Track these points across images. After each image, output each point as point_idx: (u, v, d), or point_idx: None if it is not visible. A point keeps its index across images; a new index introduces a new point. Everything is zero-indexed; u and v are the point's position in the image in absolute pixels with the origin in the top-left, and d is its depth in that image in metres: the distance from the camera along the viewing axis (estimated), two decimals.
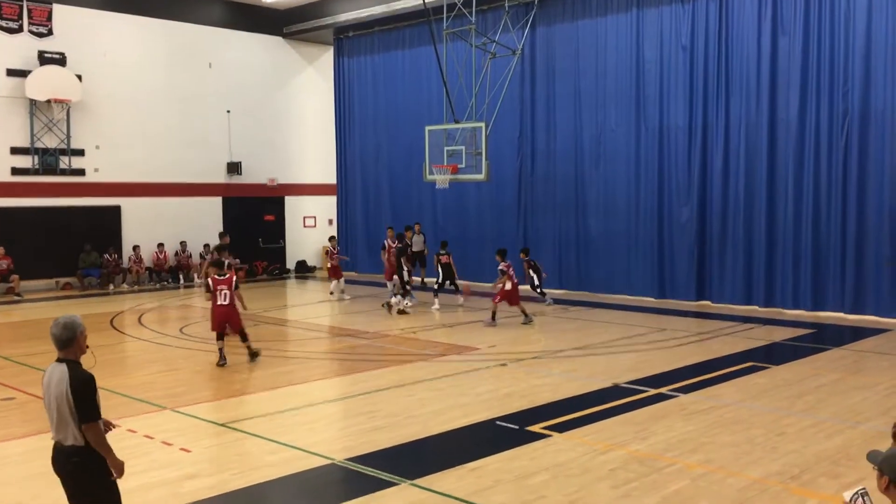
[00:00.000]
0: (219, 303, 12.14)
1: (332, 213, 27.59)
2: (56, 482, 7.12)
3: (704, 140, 18.06)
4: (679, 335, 14.31)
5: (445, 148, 18.56)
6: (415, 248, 20.65)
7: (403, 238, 19.54)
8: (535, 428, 8.60)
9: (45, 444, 8.29)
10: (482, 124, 18.01)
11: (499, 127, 19.46)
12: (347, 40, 26.27)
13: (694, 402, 9.66)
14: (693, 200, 18.21)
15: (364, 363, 12.31)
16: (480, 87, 18.71)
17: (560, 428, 8.60)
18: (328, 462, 7.62)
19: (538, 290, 18.11)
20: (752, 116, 17.30)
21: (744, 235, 17.49)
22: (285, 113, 27.08)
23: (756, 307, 17.22)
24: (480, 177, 18.21)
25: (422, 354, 12.80)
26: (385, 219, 25.24)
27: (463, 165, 18.24)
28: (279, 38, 26.75)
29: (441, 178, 18.57)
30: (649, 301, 18.69)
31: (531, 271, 18.10)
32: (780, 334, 14.36)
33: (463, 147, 18.18)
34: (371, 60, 25.59)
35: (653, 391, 10.19)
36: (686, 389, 10.29)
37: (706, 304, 18.02)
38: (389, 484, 6.95)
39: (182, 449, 8.00)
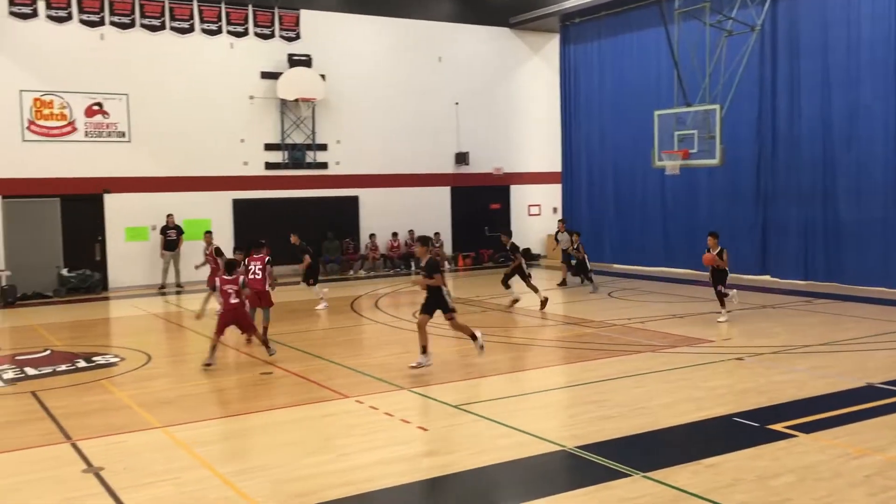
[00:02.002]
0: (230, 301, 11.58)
1: (557, 202, 27.59)
2: (305, 451, 7.75)
3: None
4: None
5: (675, 132, 17.90)
6: (562, 247, 20.07)
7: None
8: (778, 427, 8.09)
9: (295, 416, 9.08)
10: (716, 107, 17.17)
11: (735, 109, 18.44)
12: (573, 27, 26.08)
13: None
14: None
15: (591, 352, 12.21)
16: (714, 67, 17.82)
17: (806, 428, 8.02)
18: (558, 449, 7.64)
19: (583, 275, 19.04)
20: None
21: None
22: (511, 102, 27.42)
23: None
24: (714, 162, 17.38)
25: (650, 345, 12.48)
26: (608, 207, 24.89)
27: (695, 150, 17.50)
28: (505, 29, 27.11)
29: (671, 164, 17.95)
30: None
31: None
32: None
33: (695, 131, 17.44)
34: (597, 46, 25.23)
35: None
36: None
37: None
38: (621, 475, 6.85)
39: (419, 427, 8.38)
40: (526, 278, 16.75)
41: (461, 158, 26.22)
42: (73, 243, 21.09)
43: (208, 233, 18.22)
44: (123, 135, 21.47)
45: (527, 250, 26.89)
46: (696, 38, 18.02)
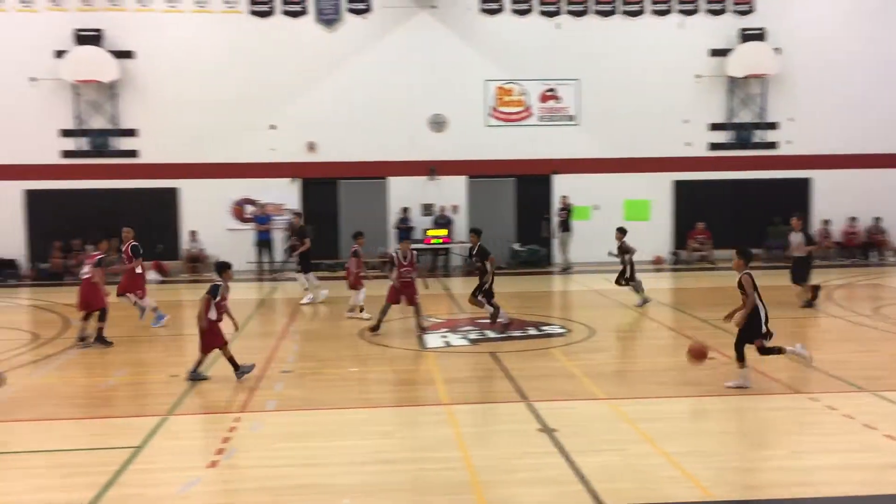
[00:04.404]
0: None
1: None
2: (752, 442, 7.32)
3: None
4: None
5: None
6: (793, 251, 15.07)
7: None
8: None
9: (738, 405, 8.68)
10: None
11: None
12: None
13: None
14: None
15: None
16: None
17: None
18: None
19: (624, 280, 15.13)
20: None
21: None
22: None
23: None
24: None
25: None
26: None
27: None
28: None
29: None
30: None
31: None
32: None
33: None
34: None
35: None
36: None
37: None
38: None
39: (887, 435, 7.44)
40: (486, 290, 13.01)
41: None
42: (525, 221, 22.87)
43: (128, 227, 14.45)
44: (572, 118, 22.58)
45: None
46: None
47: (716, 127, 22.80)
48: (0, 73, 20.88)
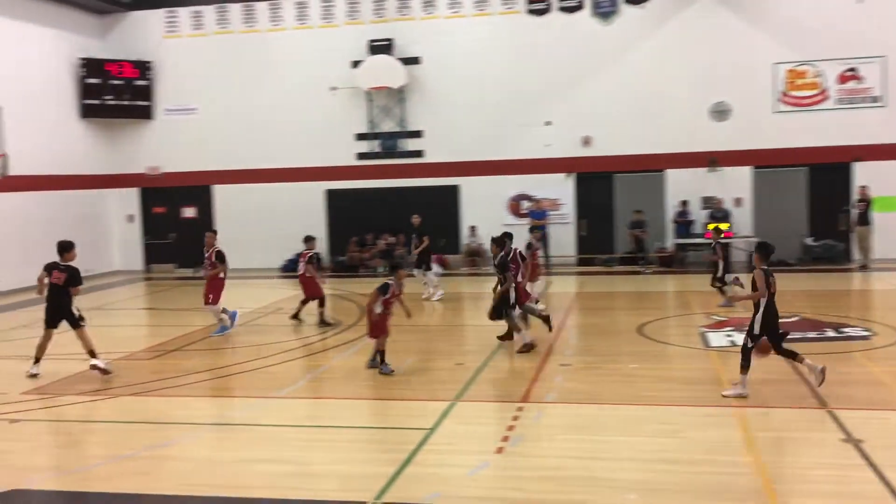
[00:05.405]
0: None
1: None
2: None
3: None
4: None
5: None
6: None
7: None
8: None
9: None
10: None
11: None
12: None
13: None
14: None
15: None
16: None
17: None
18: None
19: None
20: None
21: None
22: None
23: None
24: None
25: None
26: None
27: None
28: None
29: None
30: None
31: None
32: None
33: None
34: None
35: None
36: None
37: None
38: None
39: None
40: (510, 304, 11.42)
41: None
42: (819, 213, 21.06)
43: (212, 232, 13.88)
44: (877, 99, 20.38)
45: None
46: None
47: None
48: (307, 85, 23.15)
